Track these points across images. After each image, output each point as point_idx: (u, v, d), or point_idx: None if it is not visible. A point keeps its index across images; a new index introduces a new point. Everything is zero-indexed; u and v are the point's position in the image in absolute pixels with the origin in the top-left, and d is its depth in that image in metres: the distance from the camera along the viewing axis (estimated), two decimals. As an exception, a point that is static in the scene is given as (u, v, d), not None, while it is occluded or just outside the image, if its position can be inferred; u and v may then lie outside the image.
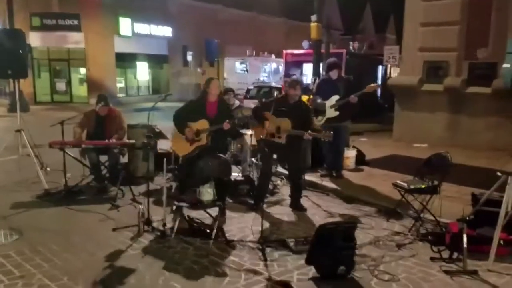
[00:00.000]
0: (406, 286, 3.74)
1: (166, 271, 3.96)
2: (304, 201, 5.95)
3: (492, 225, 4.14)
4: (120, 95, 24.41)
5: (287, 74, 20.64)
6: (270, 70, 25.74)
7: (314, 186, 6.78)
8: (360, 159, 8.02)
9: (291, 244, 4.50)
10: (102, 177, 6.49)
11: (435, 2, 10.21)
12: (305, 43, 20.14)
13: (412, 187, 5.10)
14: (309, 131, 5.48)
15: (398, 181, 5.35)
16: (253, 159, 7.04)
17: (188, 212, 5.02)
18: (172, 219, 5.04)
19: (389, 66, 17.12)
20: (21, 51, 6.59)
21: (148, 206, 5.04)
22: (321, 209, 5.85)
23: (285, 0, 31.27)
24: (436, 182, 5.04)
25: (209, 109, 5.58)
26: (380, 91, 16.54)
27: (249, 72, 24.92)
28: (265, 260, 4.20)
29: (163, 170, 5.42)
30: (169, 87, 26.26)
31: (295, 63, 19.08)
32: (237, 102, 7.74)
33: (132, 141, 6.58)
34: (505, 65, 8.41)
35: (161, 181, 6.41)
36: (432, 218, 5.02)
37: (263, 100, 6.92)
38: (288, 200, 6.03)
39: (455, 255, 4.21)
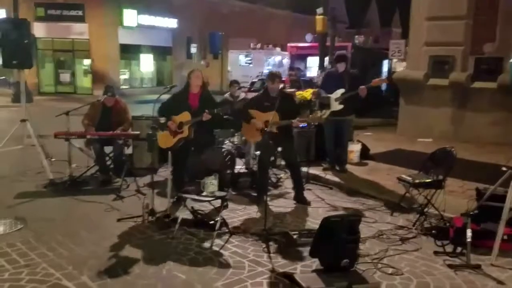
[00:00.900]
0: (409, 279, 3.75)
1: (170, 261, 3.98)
2: (307, 195, 5.95)
3: (496, 220, 4.14)
4: (124, 86, 24.40)
5: (291, 67, 20.61)
6: (274, 63, 25.67)
7: (317, 180, 6.78)
8: (365, 153, 8.01)
9: (295, 236, 4.50)
10: (107, 168, 6.51)
11: (441, -4, 10.14)
12: (308, 36, 20.09)
13: (416, 181, 5.09)
14: (297, 118, 5.51)
15: (403, 175, 5.35)
16: (256, 152, 7.04)
17: (191, 204, 5.04)
18: (173, 208, 5.05)
19: (394, 60, 17.06)
20: (26, 41, 6.57)
21: (152, 197, 5.05)
22: (325, 203, 5.85)
23: (290, -8, 31.14)
24: (440, 177, 5.03)
25: (191, 101, 5.58)
26: (385, 85, 16.51)
27: (253, 65, 24.86)
28: (269, 252, 4.22)
29: (167, 161, 5.44)
30: (172, 79, 26.23)
31: (300, 56, 19.06)
32: (242, 94, 7.75)
33: (137, 132, 6.58)
34: (511, 60, 8.34)
35: (165, 173, 6.44)
36: (436, 212, 5.01)
37: (247, 99, 6.91)
38: (292, 193, 6.04)
39: (458, 249, 4.21)
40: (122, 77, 25.05)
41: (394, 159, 7.92)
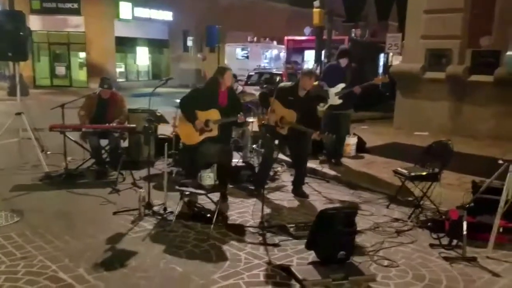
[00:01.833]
0: (405, 271, 3.76)
1: (167, 254, 3.98)
2: (304, 188, 5.96)
3: (492, 213, 4.15)
4: (120, 79, 24.30)
5: (288, 61, 20.56)
6: (271, 57, 25.58)
7: (314, 173, 6.79)
8: (361, 147, 8.02)
9: (291, 229, 4.51)
10: (103, 161, 6.49)
11: (439, -11, 10.12)
12: (307, 30, 20.00)
13: (412, 174, 5.11)
14: (318, 132, 5.38)
15: (399, 168, 5.36)
16: (254, 145, 7.04)
17: (189, 197, 5.04)
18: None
19: (390, 54, 17.03)
20: (21, 33, 6.52)
21: (149, 190, 5.05)
22: (321, 196, 5.87)
23: (287, -15, 31.00)
24: (436, 170, 5.05)
25: (221, 99, 5.40)
26: (381, 79, 16.49)
27: (250, 59, 24.77)
28: (266, 244, 4.22)
29: (164, 155, 5.41)
30: (169, 72, 26.12)
31: (297, 50, 18.98)
32: (239, 88, 7.72)
33: (133, 125, 6.56)
34: (508, 53, 8.34)
35: (162, 165, 6.43)
36: (432, 205, 5.03)
37: (271, 87, 6.87)
38: (289, 186, 6.04)
39: (454, 242, 4.23)
40: (118, 70, 24.93)
41: (391, 153, 7.93)
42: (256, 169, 6.38)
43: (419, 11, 10.49)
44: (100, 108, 6.47)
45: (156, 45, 27.01)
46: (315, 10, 12.81)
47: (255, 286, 3.48)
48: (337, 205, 5.45)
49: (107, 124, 6.26)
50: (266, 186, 5.91)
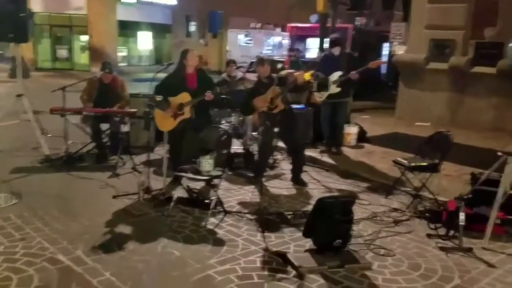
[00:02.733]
0: (401, 260, 3.79)
1: (165, 239, 4.01)
2: (303, 176, 5.96)
3: (489, 205, 4.16)
4: (122, 64, 24.17)
5: (291, 48, 20.43)
6: (274, 44, 25.44)
7: (313, 162, 6.78)
8: (362, 136, 8.00)
9: (289, 216, 4.53)
10: (103, 145, 6.50)
11: (444, -21, 10.01)
12: (313, 17, 19.79)
13: (412, 164, 5.11)
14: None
15: (399, 158, 5.37)
16: (254, 133, 7.03)
17: (187, 183, 5.05)
18: (169, 187, 5.06)
19: (394, 43, 16.93)
20: (22, 14, 6.47)
21: (148, 175, 5.06)
22: (320, 184, 5.88)
23: (292, -29, 30.61)
24: (436, 161, 5.05)
25: (189, 82, 5.45)
26: (384, 69, 16.41)
27: (252, 45, 24.63)
28: (263, 231, 4.24)
29: (163, 140, 5.42)
30: (171, 57, 26.00)
31: (300, 37, 18.85)
32: (239, 74, 7.70)
33: (134, 109, 6.55)
34: (510, 45, 8.27)
35: (161, 151, 6.43)
36: (430, 196, 5.04)
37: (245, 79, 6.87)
38: (287, 175, 6.05)
39: (451, 232, 4.24)
40: (120, 54, 24.81)
41: (391, 143, 7.92)
42: (256, 157, 6.39)
43: (423, 1, 10.39)
44: (101, 92, 6.46)
45: (158, 30, 26.85)
46: (319, -3, 12.70)
47: (251, 271, 3.51)
48: (335, 193, 5.47)
49: (108, 108, 6.25)
50: (264, 174, 5.93)
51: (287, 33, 22.91)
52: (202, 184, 5.08)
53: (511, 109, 9.17)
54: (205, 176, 4.67)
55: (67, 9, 22.61)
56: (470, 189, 4.73)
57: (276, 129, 5.61)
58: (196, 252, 3.79)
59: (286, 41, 23.98)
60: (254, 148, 6.78)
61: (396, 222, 4.58)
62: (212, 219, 4.46)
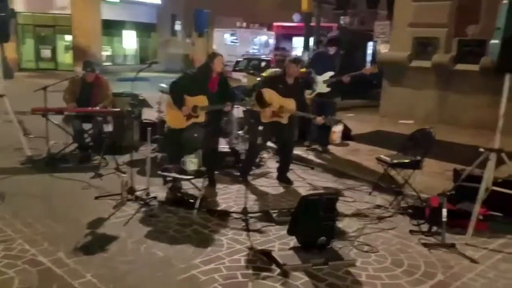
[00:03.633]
0: (384, 257, 3.81)
1: (149, 239, 3.97)
2: (289, 174, 5.97)
3: (472, 201, 4.20)
4: (107, 63, 23.94)
5: (277, 47, 20.47)
6: (260, 43, 25.43)
7: (299, 160, 6.79)
8: (347, 134, 8.05)
9: (274, 215, 4.53)
10: (86, 145, 6.42)
11: (427, -23, 10.10)
12: (296, 16, 19.87)
13: (395, 161, 5.14)
14: (323, 116, 5.51)
15: (382, 156, 5.39)
16: (239, 131, 7.02)
17: (172, 182, 5.02)
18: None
19: (379, 42, 17.05)
20: (2, 14, 6.36)
21: (132, 175, 5.01)
22: (306, 182, 5.89)
23: (277, -30, 30.64)
24: (418, 158, 5.08)
25: (211, 85, 5.36)
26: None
27: (239, 45, 24.59)
28: (248, 230, 4.23)
29: (147, 140, 5.37)
30: (156, 56, 25.84)
31: (285, 36, 18.91)
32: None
33: (118, 109, 6.48)
34: (492, 41, 8.36)
35: (146, 151, 6.37)
36: (413, 192, 5.08)
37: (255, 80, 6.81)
38: (274, 173, 6.05)
39: (434, 229, 4.28)
40: (105, 53, 24.58)
41: (376, 140, 7.98)
42: (242, 156, 6.38)
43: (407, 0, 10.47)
44: (84, 91, 6.38)
45: (143, 29, 26.67)
46: (304, -4, 12.72)
47: (235, 270, 3.50)
48: (320, 191, 5.48)
49: (90, 108, 6.18)
50: (251, 172, 5.92)
51: (273, 32, 22.95)
52: (188, 183, 5.04)
53: (494, 106, 9.11)
54: (189, 175, 4.64)
55: (51, 9, 22.33)
56: (453, 186, 4.78)
57: (260, 127, 5.63)
58: (181, 252, 3.77)
59: (272, 40, 24.02)
60: (240, 146, 6.77)
61: (380, 219, 4.61)
62: (197, 219, 4.43)
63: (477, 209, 4.15)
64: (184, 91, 5.25)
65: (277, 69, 12.86)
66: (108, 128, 6.71)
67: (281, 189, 5.62)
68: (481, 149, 4.26)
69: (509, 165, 4.20)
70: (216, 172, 5.88)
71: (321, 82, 6.91)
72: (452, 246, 4.01)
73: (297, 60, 5.75)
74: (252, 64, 17.88)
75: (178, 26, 25.73)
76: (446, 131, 7.87)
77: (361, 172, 6.21)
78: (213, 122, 5.49)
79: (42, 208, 4.58)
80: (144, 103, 6.15)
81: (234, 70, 16.84)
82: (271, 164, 6.50)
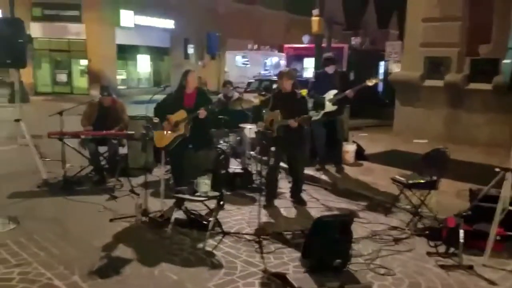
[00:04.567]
0: (401, 280, 3.74)
1: (163, 262, 3.97)
2: (302, 195, 5.93)
3: (489, 221, 4.13)
4: (121, 87, 24.34)
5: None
6: (271, 64, 25.68)
7: (312, 180, 6.77)
8: (360, 154, 8.01)
9: (288, 237, 4.50)
10: (101, 168, 6.49)
11: (437, -3, 10.15)
12: (305, 38, 20.06)
13: (410, 182, 5.10)
14: (296, 118, 5.34)
15: (397, 176, 5.35)
16: (252, 152, 7.03)
17: (185, 204, 5.02)
18: (169, 210, 5.03)
19: (390, 62, 17.11)
20: (20, 40, 6.54)
21: (146, 197, 5.04)
22: (319, 203, 5.85)
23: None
24: (434, 178, 5.04)
25: (186, 100, 5.63)
26: (382, 86, 16.51)
27: (250, 66, 24.85)
28: (262, 252, 4.20)
29: (161, 161, 5.42)
30: (170, 79, 26.20)
31: (296, 57, 19.06)
32: (236, 94, 7.74)
33: (131, 132, 6.56)
34: (505, 61, 8.36)
35: (159, 172, 6.41)
36: (429, 213, 5.01)
37: (263, 98, 6.86)
38: (286, 193, 6.03)
39: (451, 250, 4.21)
40: (119, 77, 25.01)
41: (389, 160, 7.92)
42: (254, 176, 6.39)
43: (418, 20, 10.53)
44: (101, 115, 6.50)
45: (157, 53, 27.12)
46: (314, 18, 12.83)
47: (250, 294, 3.47)
48: (334, 212, 5.44)
49: (105, 131, 6.27)
50: (262, 193, 5.89)
51: (283, 54, 23.16)
52: (201, 205, 5.05)
53: (508, 125, 9.19)
54: (202, 197, 4.65)
55: (66, 34, 22.85)
56: (469, 206, 4.71)
57: (272, 148, 5.63)
58: (194, 275, 3.75)
59: (283, 62, 24.24)
60: (253, 167, 6.78)
61: (396, 241, 4.54)
62: (210, 241, 4.42)
63: (494, 230, 4.07)
64: (165, 111, 5.58)
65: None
66: (123, 150, 6.79)
67: (294, 210, 5.59)
68: (497, 169, 4.21)
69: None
70: (228, 193, 5.90)
71: (327, 102, 6.94)
72: (470, 267, 3.93)
73: (285, 73, 5.74)
74: (263, 85, 18.02)
75: (191, 49, 26.13)
76: (460, 150, 7.79)
77: (375, 192, 6.15)
78: (198, 133, 5.60)
79: (57, 231, 4.62)
80: (158, 126, 6.21)
81: (246, 91, 16.98)
82: (283, 185, 6.46)
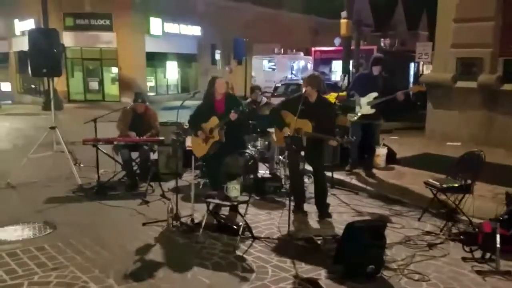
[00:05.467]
0: (436, 285, 3.66)
1: (194, 266, 4.01)
2: (332, 200, 5.89)
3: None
4: (151, 93, 24.78)
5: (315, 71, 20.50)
6: (298, 68, 25.64)
7: (342, 185, 6.71)
8: (391, 158, 7.88)
9: (319, 242, 4.47)
10: (133, 173, 6.62)
11: (468, -3, 9.93)
12: (337, 40, 19.96)
13: (444, 186, 4.99)
14: (337, 137, 5.25)
15: (430, 180, 5.25)
16: (280, 156, 7.03)
17: (215, 209, 5.07)
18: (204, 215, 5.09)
19: (421, 63, 16.82)
20: (55, 50, 6.76)
21: (176, 202, 5.11)
22: (350, 208, 5.79)
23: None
24: (469, 181, 4.91)
25: (217, 107, 5.70)
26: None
27: (276, 70, 24.88)
28: (292, 257, 4.19)
29: (191, 166, 5.49)
30: (197, 85, 26.49)
31: (324, 60, 18.99)
32: (264, 99, 7.75)
33: (162, 138, 6.67)
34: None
35: (189, 177, 6.50)
36: (464, 217, 4.89)
37: (284, 100, 6.83)
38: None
39: (487, 255, 4.10)
40: (149, 84, 25.49)
41: (422, 163, 7.76)
42: (283, 181, 6.39)
43: (448, 20, 10.32)
44: (135, 122, 6.64)
45: (185, 59, 27.53)
46: (342, 21, 12.78)
47: (282, 299, 3.46)
48: (366, 217, 5.37)
49: (136, 137, 6.40)
50: (293, 198, 5.87)
51: (310, 57, 23.11)
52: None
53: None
54: (232, 201, 4.68)
55: (97, 43, 23.45)
56: (506, 210, 4.57)
57: (302, 153, 5.59)
58: (226, 280, 3.77)
59: (310, 65, 24.16)
60: (281, 172, 6.77)
61: (430, 246, 4.45)
62: (241, 245, 4.44)
63: (533, 235, 3.94)
64: (199, 120, 5.71)
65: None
66: (154, 156, 6.91)
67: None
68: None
69: None
70: (257, 198, 5.91)
71: (365, 104, 6.84)
72: (507, 273, 3.81)
73: (310, 80, 5.39)
74: (290, 90, 18.01)
75: (217, 55, 26.39)
76: (495, 152, 7.57)
77: (408, 197, 6.04)
78: (231, 136, 5.67)
79: (92, 235, 4.73)
80: (187, 132, 6.31)
81: (273, 96, 17.00)
82: (312, 189, 6.42)
